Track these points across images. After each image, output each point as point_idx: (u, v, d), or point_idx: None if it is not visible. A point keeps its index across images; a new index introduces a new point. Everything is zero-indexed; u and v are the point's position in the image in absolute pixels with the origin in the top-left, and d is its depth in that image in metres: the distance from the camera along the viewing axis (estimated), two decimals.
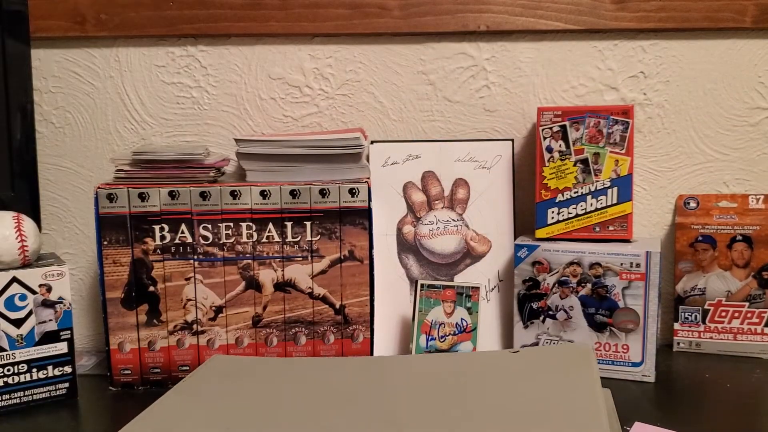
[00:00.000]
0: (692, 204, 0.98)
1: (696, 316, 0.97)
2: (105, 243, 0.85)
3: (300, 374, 0.71)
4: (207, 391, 0.68)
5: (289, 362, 0.76)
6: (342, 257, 0.88)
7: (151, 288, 0.87)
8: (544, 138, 0.92)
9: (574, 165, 0.91)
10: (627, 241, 0.91)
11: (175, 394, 0.69)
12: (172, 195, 0.86)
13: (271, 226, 0.87)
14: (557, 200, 0.92)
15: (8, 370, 0.80)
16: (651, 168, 1.02)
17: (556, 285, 0.90)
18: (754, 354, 0.95)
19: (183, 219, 0.86)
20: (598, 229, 0.91)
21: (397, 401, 0.58)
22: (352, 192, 0.87)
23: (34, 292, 0.81)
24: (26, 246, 0.81)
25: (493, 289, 0.97)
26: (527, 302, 0.91)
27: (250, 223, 0.87)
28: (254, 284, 0.88)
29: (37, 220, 0.92)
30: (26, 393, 0.82)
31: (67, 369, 0.84)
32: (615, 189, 0.90)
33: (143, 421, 0.63)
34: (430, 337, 0.91)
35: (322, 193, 0.87)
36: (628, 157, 0.90)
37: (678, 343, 0.98)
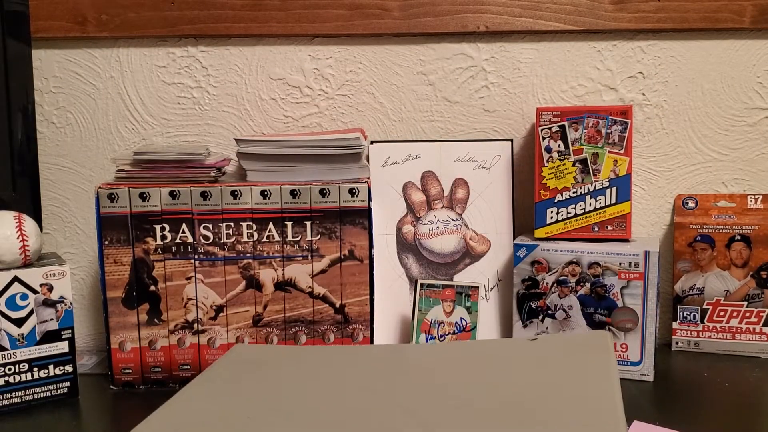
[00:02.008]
0: (691, 204, 0.99)
1: (694, 315, 0.97)
2: (106, 242, 0.86)
3: (323, 362, 0.71)
4: (230, 381, 0.69)
5: (312, 350, 0.76)
6: (342, 257, 0.88)
7: (152, 287, 0.87)
8: (543, 138, 0.92)
9: (573, 165, 0.91)
10: (626, 240, 0.91)
11: (198, 384, 0.69)
12: (173, 195, 0.86)
13: (271, 225, 0.87)
14: (556, 200, 0.92)
15: (9, 369, 0.81)
16: (650, 168, 1.02)
17: (555, 284, 0.90)
18: (752, 353, 0.95)
19: (184, 219, 0.86)
20: (596, 228, 0.91)
21: (419, 389, 0.59)
22: (352, 192, 0.87)
23: (35, 292, 0.82)
24: (27, 245, 0.81)
25: (492, 288, 0.97)
26: (526, 301, 0.92)
27: (251, 223, 0.87)
28: (255, 284, 0.88)
29: (38, 219, 0.93)
30: (27, 392, 0.82)
31: (68, 368, 0.84)
32: (614, 189, 0.91)
33: (166, 411, 0.63)
34: (429, 336, 0.91)
35: (322, 193, 0.87)
36: (627, 157, 0.90)
37: (677, 343, 0.98)
